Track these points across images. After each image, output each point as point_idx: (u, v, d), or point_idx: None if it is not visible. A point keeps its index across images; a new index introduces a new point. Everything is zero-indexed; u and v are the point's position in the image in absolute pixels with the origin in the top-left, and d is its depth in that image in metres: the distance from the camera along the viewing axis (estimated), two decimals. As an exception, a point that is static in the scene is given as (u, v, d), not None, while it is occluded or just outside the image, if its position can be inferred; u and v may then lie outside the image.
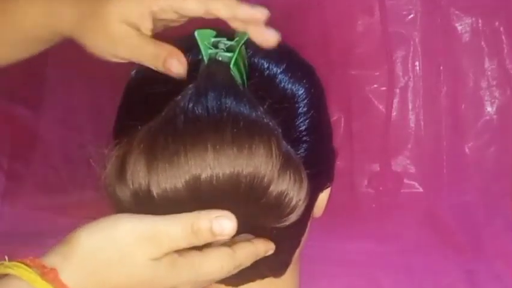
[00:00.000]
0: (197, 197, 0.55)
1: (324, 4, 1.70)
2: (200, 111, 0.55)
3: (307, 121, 0.63)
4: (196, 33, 0.61)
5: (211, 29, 0.63)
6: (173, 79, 0.61)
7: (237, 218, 0.57)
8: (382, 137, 1.72)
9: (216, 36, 0.62)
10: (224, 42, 0.61)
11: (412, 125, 1.73)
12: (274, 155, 0.55)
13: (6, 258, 0.51)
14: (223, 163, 0.54)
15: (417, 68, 1.72)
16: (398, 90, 1.73)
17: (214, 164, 0.54)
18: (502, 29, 1.69)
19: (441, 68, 1.71)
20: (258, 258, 0.58)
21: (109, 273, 0.53)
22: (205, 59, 0.60)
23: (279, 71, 0.64)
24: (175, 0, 0.60)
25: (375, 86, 1.72)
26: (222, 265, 0.55)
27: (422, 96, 1.72)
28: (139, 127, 0.56)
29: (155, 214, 0.55)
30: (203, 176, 0.54)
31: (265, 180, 0.55)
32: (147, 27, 0.61)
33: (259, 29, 0.62)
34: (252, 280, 0.64)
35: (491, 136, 1.71)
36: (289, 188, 0.56)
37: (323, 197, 0.66)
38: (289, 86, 0.64)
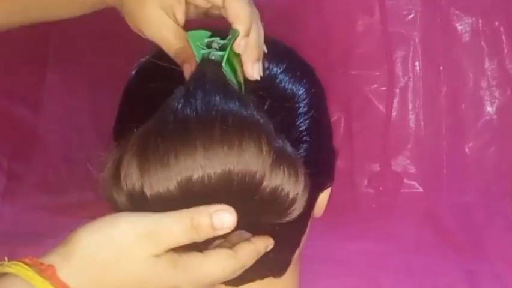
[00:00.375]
0: (190, 198, 0.55)
1: (324, 4, 1.71)
2: (189, 111, 0.55)
3: (307, 121, 0.63)
4: (188, 35, 0.61)
5: (205, 29, 0.63)
6: (173, 79, 0.61)
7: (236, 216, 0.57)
8: (382, 137, 1.72)
9: (210, 36, 0.62)
10: (217, 41, 0.61)
11: (412, 125, 1.73)
12: (264, 151, 0.55)
13: (6, 258, 0.51)
14: (213, 162, 0.54)
15: (417, 68, 1.72)
16: (398, 90, 1.73)
17: (204, 164, 0.54)
18: (502, 29, 1.69)
19: (441, 68, 1.71)
20: (260, 256, 0.58)
21: (110, 272, 0.53)
22: (198, 59, 0.60)
23: (279, 71, 0.64)
24: None
25: (375, 86, 1.72)
26: (223, 265, 0.55)
27: (422, 96, 1.72)
28: (135, 129, 0.56)
29: None
30: (194, 176, 0.54)
31: (257, 176, 0.55)
32: (181, 10, 0.63)
33: (251, 59, 0.61)
34: (252, 280, 0.65)
35: (491, 136, 1.71)
36: (284, 183, 0.56)
37: (324, 196, 0.66)
38: (290, 86, 0.64)
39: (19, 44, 1.63)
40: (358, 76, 1.73)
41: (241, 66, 0.61)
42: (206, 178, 0.54)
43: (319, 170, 0.63)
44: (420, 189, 1.72)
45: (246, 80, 0.61)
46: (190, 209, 0.54)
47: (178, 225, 0.53)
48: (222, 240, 0.57)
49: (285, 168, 0.56)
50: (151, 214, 0.53)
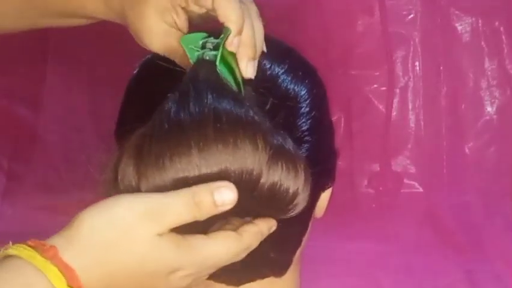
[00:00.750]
0: None
1: (324, 4, 1.70)
2: (182, 112, 0.55)
3: (309, 121, 0.63)
4: (181, 39, 0.61)
5: (200, 31, 0.62)
6: (174, 79, 0.61)
7: (234, 215, 0.56)
8: (382, 137, 1.72)
9: (205, 37, 0.62)
10: (211, 41, 0.61)
11: (412, 125, 1.73)
12: (260, 147, 0.54)
13: (10, 242, 0.52)
14: (209, 161, 0.54)
15: (417, 68, 1.72)
16: (398, 90, 1.73)
17: (200, 163, 0.54)
18: (502, 29, 1.69)
19: (441, 68, 1.71)
20: (263, 237, 0.58)
21: (113, 253, 0.53)
22: (192, 61, 0.60)
23: (281, 71, 0.64)
24: None
25: (375, 86, 1.72)
26: (227, 247, 0.55)
27: (422, 96, 1.72)
28: (137, 130, 0.56)
29: None
30: (191, 176, 0.54)
31: (254, 173, 0.54)
32: (181, 17, 0.62)
33: (245, 57, 0.61)
34: (253, 280, 0.64)
35: (491, 136, 1.71)
36: (283, 178, 0.55)
37: (325, 196, 0.66)
38: (292, 86, 0.64)
39: (19, 44, 1.63)
40: (358, 76, 1.73)
41: (236, 60, 0.61)
42: (202, 178, 0.54)
43: (320, 169, 0.63)
44: (420, 189, 1.72)
45: (247, 79, 0.61)
46: (191, 188, 0.54)
47: (180, 203, 0.52)
48: (224, 222, 0.57)
49: (283, 164, 0.56)
50: (152, 194, 0.53)
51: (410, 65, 1.73)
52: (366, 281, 1.44)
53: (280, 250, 0.62)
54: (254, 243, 0.57)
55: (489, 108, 1.71)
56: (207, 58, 0.59)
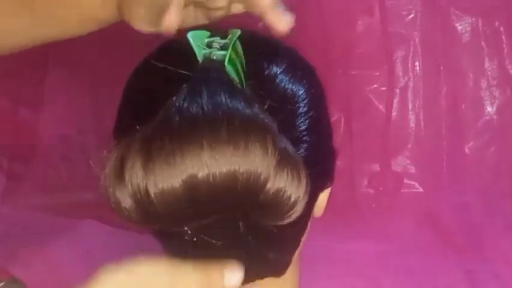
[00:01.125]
0: (195, 197, 0.55)
1: (324, 4, 1.70)
2: (195, 110, 0.55)
3: (307, 121, 0.63)
4: (189, 35, 0.61)
5: (204, 29, 0.63)
6: (172, 79, 0.61)
7: (236, 217, 0.57)
8: (382, 137, 1.72)
9: (209, 36, 0.62)
10: (218, 41, 0.61)
11: (412, 125, 1.73)
12: (270, 152, 0.55)
13: None
14: (219, 161, 0.54)
15: (417, 68, 1.72)
16: (398, 90, 1.73)
17: (210, 163, 0.54)
18: (502, 29, 1.69)
19: (441, 68, 1.71)
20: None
21: None
22: (200, 59, 0.60)
23: (279, 70, 0.64)
24: None
25: (375, 86, 1.72)
26: None
27: (422, 96, 1.72)
28: (138, 127, 0.56)
29: (154, 214, 0.55)
30: (200, 175, 0.54)
31: (262, 178, 0.55)
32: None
33: (274, 12, 0.63)
34: (252, 280, 0.65)
35: (491, 136, 1.71)
36: (287, 185, 0.56)
37: (323, 196, 0.66)
38: (290, 86, 0.64)
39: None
40: (358, 76, 1.73)
41: (243, 66, 0.61)
42: (211, 177, 0.54)
43: (319, 170, 0.63)
44: (420, 189, 1.72)
45: (246, 79, 0.61)
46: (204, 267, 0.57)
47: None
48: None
49: (289, 171, 0.56)
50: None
51: (410, 65, 1.73)
52: (366, 281, 1.45)
53: (279, 251, 0.63)
54: None
55: (489, 108, 1.71)
56: (215, 58, 0.59)
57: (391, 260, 1.50)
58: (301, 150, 0.62)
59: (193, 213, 0.56)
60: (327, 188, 0.67)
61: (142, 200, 0.55)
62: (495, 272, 1.46)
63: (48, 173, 1.79)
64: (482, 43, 1.69)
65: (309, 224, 0.67)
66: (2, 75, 1.74)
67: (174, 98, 0.56)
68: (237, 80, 0.59)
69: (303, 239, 0.67)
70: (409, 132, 1.73)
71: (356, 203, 1.70)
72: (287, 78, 0.64)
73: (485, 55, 1.70)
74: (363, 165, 1.73)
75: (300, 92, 0.64)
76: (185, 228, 0.58)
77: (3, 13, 0.76)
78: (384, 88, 1.72)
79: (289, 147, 0.57)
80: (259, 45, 0.65)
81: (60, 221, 1.59)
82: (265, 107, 0.59)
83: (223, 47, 0.60)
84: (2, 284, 1.25)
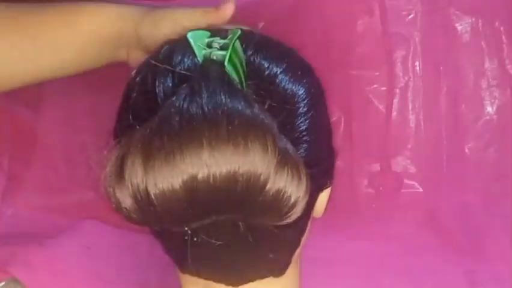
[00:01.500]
0: (195, 197, 0.55)
1: (324, 4, 1.70)
2: (195, 109, 0.56)
3: (307, 121, 0.63)
4: (189, 35, 0.62)
5: (204, 29, 0.63)
6: (172, 79, 0.61)
7: (236, 218, 0.57)
8: (382, 137, 1.72)
9: (210, 37, 0.62)
10: (218, 41, 0.62)
11: (412, 125, 1.73)
12: (270, 152, 0.55)
13: None
14: (219, 161, 0.55)
15: (417, 68, 1.72)
16: (398, 90, 1.72)
17: (210, 162, 0.55)
18: (502, 29, 1.69)
19: (441, 68, 1.71)
20: None
21: None
22: (200, 59, 0.60)
23: (279, 71, 0.65)
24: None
25: (375, 86, 1.72)
26: None
27: (422, 96, 1.72)
28: (138, 127, 0.57)
29: (154, 214, 0.55)
30: (200, 175, 0.55)
31: (262, 178, 0.55)
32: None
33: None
34: (252, 280, 0.65)
35: (491, 136, 1.70)
36: (287, 186, 0.56)
37: (323, 197, 0.67)
38: (290, 86, 0.64)
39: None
40: (358, 76, 1.73)
41: (243, 66, 0.62)
42: (211, 177, 0.55)
43: (319, 170, 0.63)
44: (420, 189, 1.72)
45: (246, 80, 0.62)
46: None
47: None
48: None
49: (289, 171, 0.56)
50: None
51: (410, 65, 1.73)
52: (366, 281, 1.45)
53: (279, 251, 0.63)
54: None
55: (489, 108, 1.71)
56: (215, 58, 0.60)
57: (391, 260, 1.50)
58: (301, 150, 0.62)
59: (193, 214, 0.56)
60: (327, 187, 0.67)
61: (142, 200, 0.56)
62: (495, 272, 1.46)
63: (48, 173, 1.79)
64: (482, 43, 1.69)
65: (309, 224, 0.67)
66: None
67: (174, 98, 0.56)
68: (236, 80, 0.59)
69: (303, 238, 0.67)
70: (409, 132, 1.73)
71: (356, 203, 1.70)
72: (287, 78, 0.64)
73: (485, 55, 1.70)
74: (363, 165, 1.73)
75: (300, 92, 0.64)
76: (186, 229, 0.58)
77: (4, 42, 0.77)
78: (384, 88, 1.72)
79: (289, 147, 0.57)
80: (260, 45, 0.65)
81: (60, 221, 1.59)
82: (265, 107, 0.59)
83: (223, 47, 0.60)
84: (2, 284, 1.25)
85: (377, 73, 1.76)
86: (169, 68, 0.62)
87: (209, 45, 0.60)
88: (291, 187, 0.55)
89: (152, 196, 0.54)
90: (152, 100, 0.61)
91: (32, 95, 1.96)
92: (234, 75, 0.58)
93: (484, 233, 1.59)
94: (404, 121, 1.75)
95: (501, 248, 1.53)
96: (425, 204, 1.69)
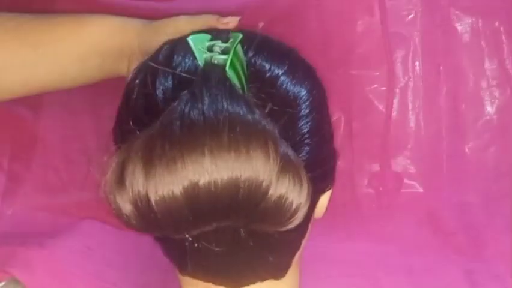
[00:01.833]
0: (196, 204, 0.55)
1: (324, 4, 1.70)
2: (196, 115, 0.55)
3: (309, 124, 0.63)
4: (189, 39, 0.61)
5: (205, 32, 0.63)
6: (173, 82, 0.61)
7: (237, 224, 0.56)
8: (382, 137, 1.72)
9: (210, 40, 0.62)
10: (219, 44, 0.61)
11: (412, 125, 1.73)
12: (271, 159, 0.55)
13: None
14: (221, 168, 0.54)
15: (417, 68, 1.72)
16: (398, 90, 1.73)
17: (211, 169, 0.54)
18: (502, 29, 1.69)
19: (441, 68, 1.71)
20: None
21: None
22: (201, 63, 0.60)
23: (280, 72, 0.64)
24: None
25: (375, 86, 1.72)
26: None
27: (422, 96, 1.72)
28: (138, 131, 0.56)
29: (155, 222, 0.55)
30: (201, 182, 0.54)
31: (264, 185, 0.55)
32: None
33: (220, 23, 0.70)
34: (253, 282, 0.65)
35: (491, 136, 1.71)
36: (289, 192, 0.56)
37: (324, 199, 0.66)
38: (291, 88, 0.64)
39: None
40: (358, 76, 1.73)
41: (244, 70, 0.62)
42: (213, 184, 0.55)
43: (320, 172, 0.63)
44: (420, 189, 1.72)
45: (247, 83, 0.61)
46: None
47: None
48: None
49: (291, 177, 0.56)
50: None
51: (410, 65, 1.73)
52: (366, 281, 1.44)
53: (279, 254, 0.63)
54: None
55: (489, 108, 1.71)
56: (216, 62, 0.59)
57: (391, 260, 1.50)
58: (303, 153, 0.62)
59: (194, 221, 0.56)
60: (329, 190, 0.67)
61: (143, 207, 0.55)
62: (495, 272, 1.46)
63: (48, 173, 1.79)
64: (482, 43, 1.69)
65: (310, 227, 0.67)
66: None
67: (175, 104, 0.56)
68: (238, 85, 0.59)
69: (304, 241, 0.67)
70: (409, 132, 1.73)
71: (356, 203, 1.70)
72: (289, 79, 0.64)
73: (485, 55, 1.70)
74: (363, 165, 1.73)
75: (302, 94, 0.64)
76: (186, 236, 0.58)
77: (5, 50, 0.77)
78: (384, 88, 1.72)
79: (291, 153, 0.57)
80: (261, 47, 0.65)
81: (60, 221, 1.59)
82: (267, 110, 0.59)
83: (224, 51, 0.60)
84: (2, 284, 1.25)
85: (377, 73, 1.76)
86: (169, 70, 0.62)
87: (210, 49, 0.60)
88: (292, 193, 0.55)
89: (153, 203, 0.53)
90: (152, 102, 0.60)
91: (32, 95, 1.96)
92: (235, 80, 0.58)
93: (483, 233, 1.59)
94: (404, 121, 1.75)
95: (501, 247, 1.53)
96: (425, 204, 1.69)
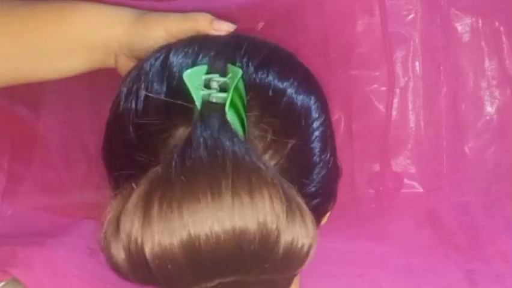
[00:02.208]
0: (196, 259, 0.52)
1: (324, 4, 1.70)
2: (194, 162, 0.52)
3: (314, 157, 0.61)
4: (184, 76, 0.58)
5: (201, 64, 0.60)
6: (167, 91, 0.59)
7: (245, 279, 0.54)
8: (382, 137, 1.72)
9: (207, 73, 0.59)
10: (216, 79, 0.58)
11: (412, 125, 1.73)
12: (277, 207, 0.51)
13: None
14: (221, 219, 0.51)
15: (417, 68, 1.72)
16: (398, 90, 1.72)
17: (212, 221, 0.51)
18: (502, 29, 1.69)
19: (441, 68, 1.71)
20: None
21: None
22: (197, 103, 0.57)
23: (286, 91, 0.62)
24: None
25: (375, 86, 1.72)
26: None
27: (422, 96, 1.72)
28: (134, 172, 0.54)
29: (150, 278, 0.52)
30: (201, 233, 0.51)
31: (271, 233, 0.52)
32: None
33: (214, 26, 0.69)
34: None
35: (491, 136, 1.71)
36: (299, 234, 0.53)
37: (326, 216, 0.65)
38: (297, 104, 0.62)
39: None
40: (358, 76, 1.73)
41: (244, 107, 0.59)
42: (214, 237, 0.51)
43: (325, 197, 0.61)
44: (421, 189, 1.72)
45: (247, 118, 0.59)
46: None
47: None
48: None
49: (299, 218, 0.53)
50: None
51: (410, 65, 1.73)
52: (366, 281, 1.44)
53: (284, 279, 0.61)
54: None
55: (489, 108, 1.71)
56: (214, 100, 0.56)
57: (391, 260, 1.50)
58: (310, 187, 0.59)
59: (194, 277, 0.53)
60: (331, 209, 0.66)
61: (137, 261, 0.53)
62: (495, 271, 1.46)
63: (48, 173, 1.79)
64: (482, 43, 1.69)
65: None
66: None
67: (172, 149, 0.54)
68: (237, 122, 0.56)
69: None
70: (409, 132, 1.73)
71: (356, 203, 1.70)
72: (292, 99, 0.62)
73: (485, 55, 1.70)
74: (363, 165, 1.73)
75: (307, 112, 0.62)
76: None
77: None
78: (384, 88, 1.71)
79: (293, 192, 0.54)
80: (262, 64, 0.63)
81: (60, 221, 1.59)
82: (268, 139, 0.57)
83: (223, 87, 0.57)
84: (2, 284, 1.25)
85: (377, 73, 1.76)
86: (162, 77, 0.61)
87: (207, 85, 0.57)
88: (302, 235, 0.52)
89: (148, 257, 0.51)
90: (144, 136, 0.59)
91: (32, 95, 1.96)
92: (235, 118, 0.55)
93: (484, 233, 1.59)
94: (404, 121, 1.75)
95: (501, 247, 1.53)
96: (425, 204, 1.69)
